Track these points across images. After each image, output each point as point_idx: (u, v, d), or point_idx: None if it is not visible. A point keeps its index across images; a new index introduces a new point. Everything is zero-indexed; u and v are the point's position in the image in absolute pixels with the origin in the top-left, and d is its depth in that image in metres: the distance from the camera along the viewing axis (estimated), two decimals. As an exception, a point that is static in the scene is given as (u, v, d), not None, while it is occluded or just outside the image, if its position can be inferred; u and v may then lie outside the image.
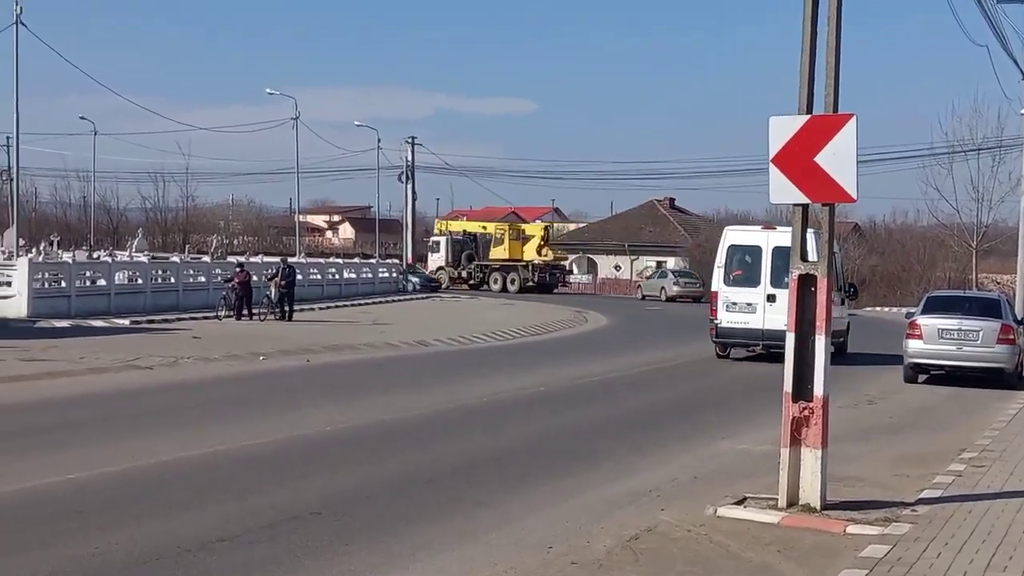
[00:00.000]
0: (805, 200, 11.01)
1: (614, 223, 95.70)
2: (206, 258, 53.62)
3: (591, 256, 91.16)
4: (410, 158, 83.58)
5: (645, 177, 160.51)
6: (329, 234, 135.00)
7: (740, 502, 11.13)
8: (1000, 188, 55.24)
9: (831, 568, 9.06)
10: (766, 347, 26.79)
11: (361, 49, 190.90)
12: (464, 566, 9.14)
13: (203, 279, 44.99)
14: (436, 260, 76.48)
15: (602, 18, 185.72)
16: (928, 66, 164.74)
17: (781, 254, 24.64)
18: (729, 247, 28.59)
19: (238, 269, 39.92)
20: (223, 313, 38.05)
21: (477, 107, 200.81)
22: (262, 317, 38.22)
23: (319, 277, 55.62)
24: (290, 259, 49.75)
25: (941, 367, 24.05)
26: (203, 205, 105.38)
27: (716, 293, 28.58)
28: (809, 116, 10.94)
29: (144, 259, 48.13)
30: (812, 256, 11.24)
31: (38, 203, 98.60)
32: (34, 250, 48.50)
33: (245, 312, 38.28)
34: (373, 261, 70.23)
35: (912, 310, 26.68)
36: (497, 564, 9.17)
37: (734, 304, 27.99)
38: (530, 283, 72.28)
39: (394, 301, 54.54)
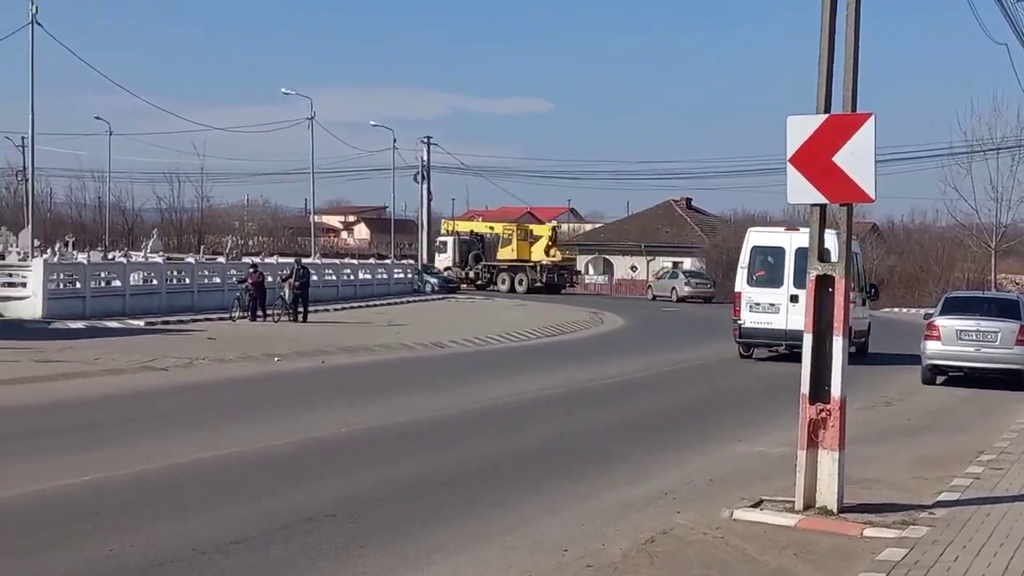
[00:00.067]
0: (823, 200, 10.95)
1: (630, 223, 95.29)
2: (221, 259, 53.56)
3: (607, 257, 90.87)
4: (426, 158, 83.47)
5: (662, 177, 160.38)
6: (344, 234, 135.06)
7: (756, 505, 11.06)
8: (1020, 188, 55.36)
9: (848, 571, 9.02)
10: (789, 347, 26.81)
11: (377, 49, 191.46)
12: (479, 568, 9.10)
13: (218, 280, 45.03)
14: (443, 260, 76.33)
15: (619, 18, 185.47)
16: (947, 65, 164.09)
17: (804, 255, 24.53)
18: (752, 248, 28.84)
19: (252, 270, 39.95)
20: (237, 314, 38.06)
21: (493, 107, 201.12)
22: (276, 318, 38.22)
23: (334, 278, 55.67)
24: (305, 260, 49.83)
25: (959, 368, 23.92)
26: (218, 206, 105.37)
27: (739, 294, 28.79)
28: (827, 115, 10.87)
29: (159, 260, 48.20)
30: (835, 257, 11.16)
31: (53, 204, 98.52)
32: (49, 251, 48.48)
33: (259, 313, 38.30)
34: (388, 262, 70.22)
35: (930, 311, 26.62)
36: (512, 567, 9.13)
37: (757, 304, 28.23)
38: (538, 283, 72.16)
39: (409, 302, 54.56)
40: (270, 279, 40.89)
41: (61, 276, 37.61)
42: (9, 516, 10.38)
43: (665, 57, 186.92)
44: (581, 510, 11.23)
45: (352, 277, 58.32)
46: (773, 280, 28.04)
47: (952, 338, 23.53)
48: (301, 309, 38.89)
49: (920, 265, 72.40)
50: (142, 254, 56.85)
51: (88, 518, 10.24)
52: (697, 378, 25.57)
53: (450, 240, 77.73)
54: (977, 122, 56.94)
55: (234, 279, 42.37)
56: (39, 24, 43.37)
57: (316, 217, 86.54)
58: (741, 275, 28.92)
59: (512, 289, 72.17)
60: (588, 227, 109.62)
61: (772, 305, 27.87)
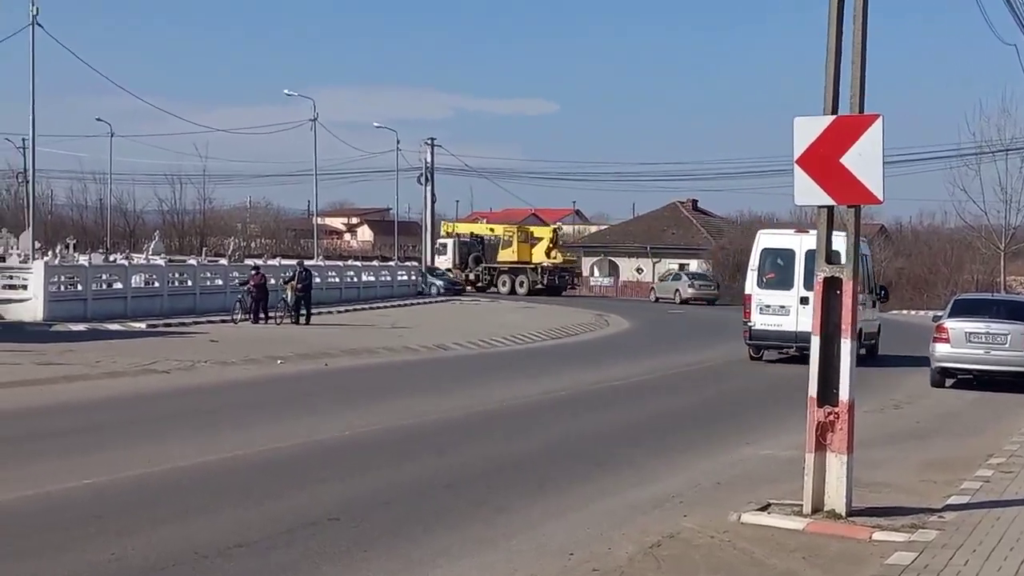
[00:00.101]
0: (830, 202, 10.88)
1: (636, 225, 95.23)
2: (223, 261, 53.53)
3: (612, 258, 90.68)
4: (429, 160, 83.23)
5: (667, 179, 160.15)
6: (347, 236, 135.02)
7: (764, 508, 10.99)
8: (1029, 189, 54.98)
9: (857, 575, 8.91)
10: (799, 349, 26.79)
11: (381, 49, 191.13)
12: (484, 573, 9.04)
13: (220, 282, 44.95)
14: (443, 262, 76.04)
15: (623, 17, 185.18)
16: (952, 65, 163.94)
17: (814, 257, 24.63)
18: (763, 250, 28.95)
19: (253, 272, 39.89)
20: (239, 316, 38.01)
21: (497, 108, 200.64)
22: (278, 320, 38.14)
23: (337, 280, 55.64)
24: (308, 262, 49.71)
25: (969, 371, 23.79)
26: (220, 207, 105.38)
27: (749, 296, 28.86)
28: (835, 117, 10.80)
29: (161, 262, 48.03)
30: (844, 259, 11.08)
31: (54, 205, 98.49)
32: (50, 253, 48.40)
33: (261, 315, 38.23)
34: (392, 264, 70.24)
35: (939, 313, 26.53)
36: (517, 571, 9.07)
37: (767, 307, 28.36)
38: (539, 285, 72.12)
39: (413, 304, 54.52)
40: (272, 281, 40.81)
41: (62, 278, 37.53)
42: (11, 519, 10.33)
43: (671, 56, 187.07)
44: (587, 513, 11.15)
45: (355, 279, 58.25)
46: (783, 282, 28.16)
47: (961, 340, 23.41)
48: (304, 311, 38.83)
49: (928, 267, 72.17)
50: (144, 256, 56.75)
51: (90, 521, 10.19)
52: (704, 380, 25.51)
53: (450, 242, 77.59)
54: (986, 123, 56.51)
55: (236, 281, 42.27)
56: (40, 25, 43.23)
57: (319, 219, 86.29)
58: (751, 277, 29.01)
59: (512, 291, 72.09)
60: (593, 229, 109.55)
61: (782, 307, 27.98)
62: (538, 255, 74.59)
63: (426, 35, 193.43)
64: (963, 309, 24.63)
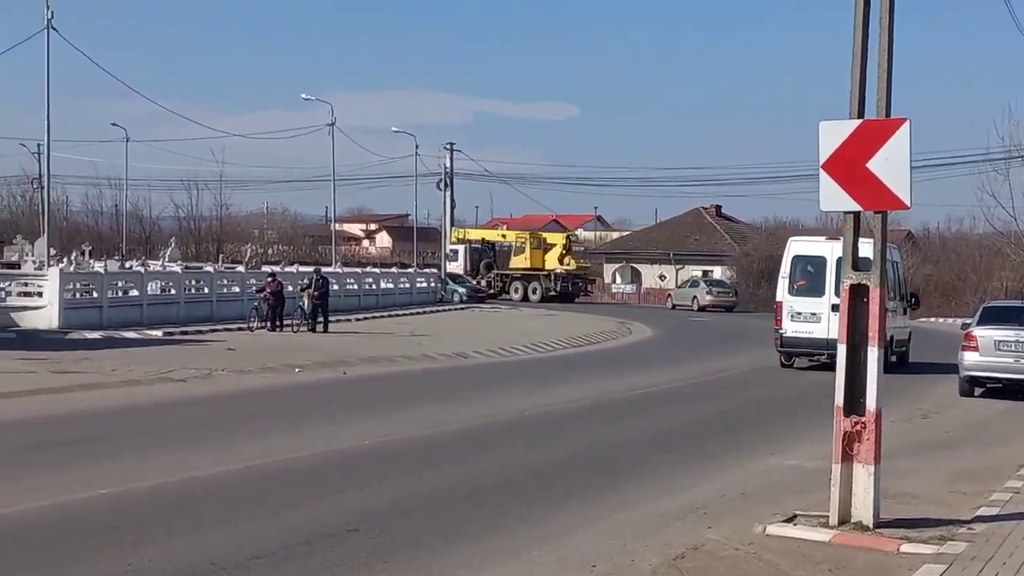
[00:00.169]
0: (857, 207, 10.73)
1: (658, 231, 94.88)
2: (240, 268, 53.48)
3: (635, 265, 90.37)
4: (449, 165, 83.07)
5: (691, 184, 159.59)
6: (366, 243, 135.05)
7: (790, 519, 10.85)
8: (1059, 194, 54.54)
9: (885, 588, 8.82)
10: (830, 356, 26.58)
11: (399, 53, 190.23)
12: (505, 585, 8.93)
13: (237, 289, 44.85)
14: (454, 269, 75.43)
15: (647, 19, 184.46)
16: (954, 66, 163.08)
17: None
18: (793, 257, 29.13)
19: (269, 279, 39.84)
20: (255, 324, 37.78)
21: (518, 112, 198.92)
22: (295, 328, 38.02)
23: (355, 287, 55.57)
24: (326, 269, 49.71)
25: (998, 380, 23.45)
26: (237, 213, 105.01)
27: (781, 303, 29.04)
28: (861, 120, 10.66)
29: (177, 269, 48.10)
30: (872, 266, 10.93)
31: (69, 212, 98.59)
32: (65, 260, 48.64)
33: (278, 323, 38.09)
34: (411, 270, 70.11)
35: (968, 321, 26.27)
36: (540, 583, 8.95)
37: (798, 314, 28.50)
38: (552, 292, 71.90)
39: (432, 312, 54.41)
40: (289, 288, 40.72)
41: (78, 285, 37.46)
42: (27, 530, 10.25)
43: (670, 57, 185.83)
44: (610, 524, 11.02)
45: (374, 286, 58.19)
46: (814, 289, 28.26)
47: (990, 349, 23.11)
48: (321, 319, 38.73)
49: (957, 274, 71.44)
50: (160, 263, 56.92)
51: (106, 532, 10.11)
52: (729, 389, 25.40)
53: (461, 248, 77.11)
54: (1015, 127, 55.85)
55: (253, 288, 42.19)
56: (55, 29, 43.14)
57: (337, 225, 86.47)
58: (782, 284, 29.18)
59: (525, 298, 71.86)
60: (615, 235, 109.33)
61: (813, 314, 28.11)
62: (551, 261, 74.35)
63: (447, 38, 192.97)
64: (992, 317, 24.30)
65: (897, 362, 28.57)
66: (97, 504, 11.30)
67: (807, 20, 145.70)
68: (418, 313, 52.60)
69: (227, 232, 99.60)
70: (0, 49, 56.60)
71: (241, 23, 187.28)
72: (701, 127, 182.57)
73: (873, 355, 10.45)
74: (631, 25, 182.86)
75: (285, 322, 38.24)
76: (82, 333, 33.22)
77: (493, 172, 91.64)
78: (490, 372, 27.66)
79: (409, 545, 9.97)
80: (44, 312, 35.06)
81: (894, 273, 28.91)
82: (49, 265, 41.49)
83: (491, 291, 73.74)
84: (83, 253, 52.34)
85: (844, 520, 10.51)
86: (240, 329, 37.11)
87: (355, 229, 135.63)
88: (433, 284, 66.43)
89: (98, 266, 46.95)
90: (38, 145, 77.93)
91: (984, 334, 23.24)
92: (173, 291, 41.83)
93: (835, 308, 26.00)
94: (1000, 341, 23.03)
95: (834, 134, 10.68)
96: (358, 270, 64.13)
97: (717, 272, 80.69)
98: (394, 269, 72.14)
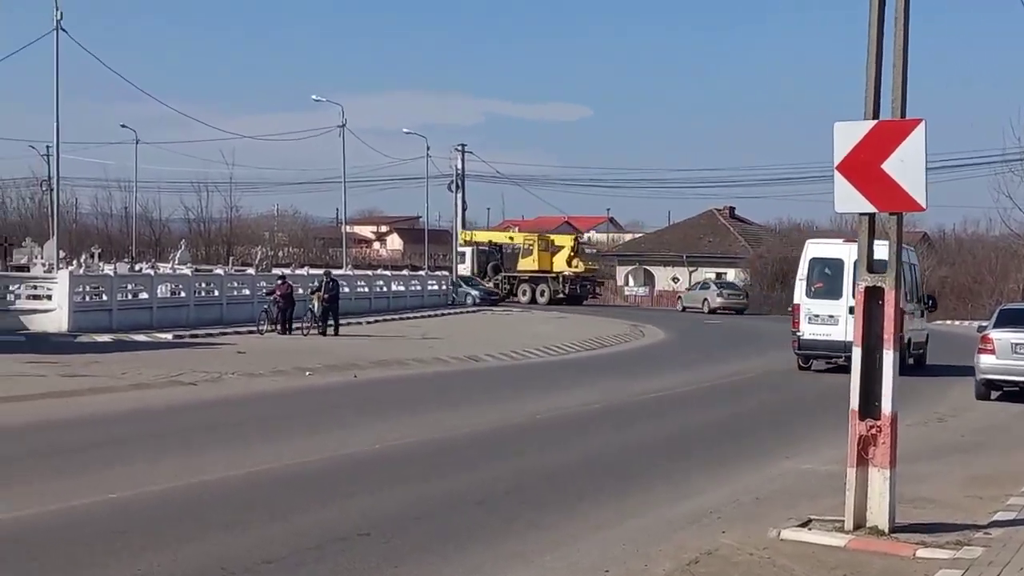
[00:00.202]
0: (872, 209, 10.65)
1: (671, 233, 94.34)
2: (250, 270, 53.31)
3: (648, 267, 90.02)
4: (460, 166, 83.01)
5: (704, 185, 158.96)
6: (377, 245, 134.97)
7: (805, 524, 10.76)
8: (1077, 196, 54.27)
9: (901, 594, 8.73)
10: (847, 359, 26.58)
11: (410, 54, 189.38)
12: (517, 591, 8.86)
13: (247, 292, 44.79)
14: (461, 271, 75.41)
15: (659, 20, 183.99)
16: (954, 66, 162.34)
17: None
18: (811, 260, 29.26)
19: (279, 281, 39.73)
20: (265, 327, 37.59)
21: (530, 113, 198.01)
22: (305, 331, 37.92)
23: (366, 290, 55.53)
24: (336, 271, 49.63)
25: (1015, 383, 23.26)
26: (247, 216, 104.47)
27: (798, 306, 29.09)
28: (876, 122, 10.58)
29: (187, 271, 47.98)
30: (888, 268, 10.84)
31: (78, 214, 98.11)
32: (75, 262, 48.41)
33: (288, 326, 37.96)
34: (422, 273, 70.02)
35: (984, 323, 26.18)
36: (551, 589, 8.88)
37: (816, 316, 28.56)
38: (560, 295, 71.77)
39: (443, 315, 54.32)
40: (300, 291, 40.62)
41: (87, 288, 37.37)
42: (35, 534, 10.21)
43: (670, 56, 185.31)
44: (622, 529, 10.96)
45: (385, 289, 58.13)
46: (832, 292, 28.30)
47: (1007, 352, 22.95)
48: (331, 322, 38.62)
49: (973, 276, 71.04)
50: (170, 265, 56.76)
51: (115, 537, 10.05)
52: (743, 392, 25.30)
53: (468, 251, 76.91)
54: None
55: (263, 291, 42.07)
56: (64, 30, 43.00)
57: (348, 227, 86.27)
58: (799, 287, 29.24)
59: (533, 300, 71.74)
60: (628, 237, 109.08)
61: (831, 317, 28.14)
62: (559, 264, 74.24)
63: (458, 39, 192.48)
64: (1009, 319, 24.12)
65: (914, 364, 28.55)
66: (106, 508, 11.24)
67: (807, 20, 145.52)
68: (429, 316, 52.54)
69: (237, 234, 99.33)
70: (7, 50, 56.53)
71: (253, 27, 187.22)
72: (709, 128, 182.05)
73: (888, 358, 10.36)
74: (631, 25, 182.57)
75: (295, 325, 38.03)
76: (91, 336, 33.16)
77: (505, 174, 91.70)
78: (502, 375, 27.59)
79: (420, 550, 9.89)
80: (53, 315, 35.03)
81: (911, 275, 28.91)
82: (58, 268, 41.38)
83: (499, 293, 73.68)
84: (93, 256, 52.09)
85: (859, 525, 10.43)
86: (250, 332, 37.07)
87: (366, 231, 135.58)
88: (444, 287, 66.33)
89: (108, 269, 46.77)
90: (47, 147, 78.13)
91: (1000, 337, 23.09)
92: (183, 294, 41.83)
93: (852, 311, 26.16)
94: (1017, 344, 22.87)
95: (849, 135, 10.61)
96: (369, 272, 64.01)
97: (731, 274, 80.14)
98: (405, 271, 72.05)
